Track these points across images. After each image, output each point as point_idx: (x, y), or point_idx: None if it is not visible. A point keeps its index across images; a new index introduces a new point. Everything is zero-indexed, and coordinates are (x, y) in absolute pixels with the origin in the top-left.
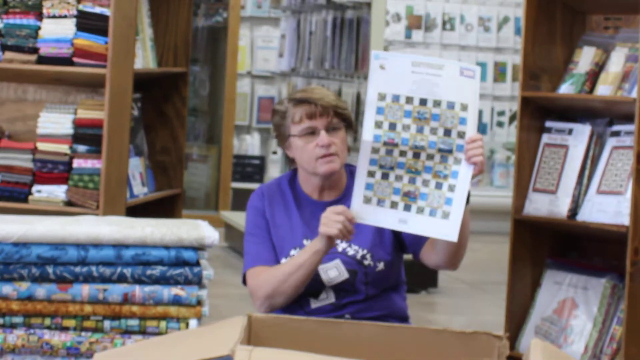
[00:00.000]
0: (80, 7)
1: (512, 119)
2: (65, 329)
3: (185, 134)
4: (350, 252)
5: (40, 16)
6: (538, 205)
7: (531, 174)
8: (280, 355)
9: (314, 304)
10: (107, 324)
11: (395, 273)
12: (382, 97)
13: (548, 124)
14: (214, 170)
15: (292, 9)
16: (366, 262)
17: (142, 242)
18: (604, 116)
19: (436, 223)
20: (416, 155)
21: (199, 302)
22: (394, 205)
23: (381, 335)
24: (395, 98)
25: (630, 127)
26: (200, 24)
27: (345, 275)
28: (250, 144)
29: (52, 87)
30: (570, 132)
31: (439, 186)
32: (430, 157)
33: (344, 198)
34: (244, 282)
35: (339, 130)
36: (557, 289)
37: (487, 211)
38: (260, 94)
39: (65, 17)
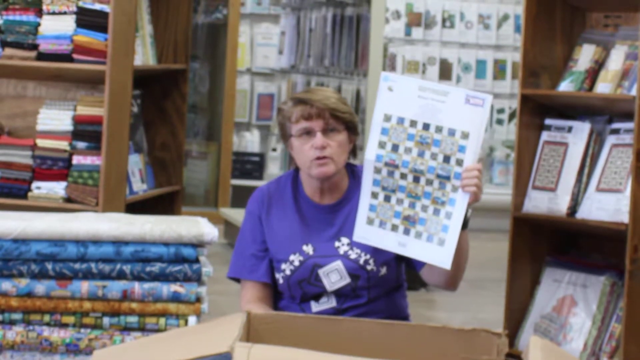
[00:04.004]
0: (80, 3)
1: (511, 116)
2: (64, 325)
3: (184, 131)
4: (353, 255)
5: (40, 12)
6: (537, 203)
7: (531, 171)
8: (279, 353)
9: (315, 308)
10: (106, 320)
11: (397, 275)
12: (387, 118)
13: (547, 121)
14: (213, 167)
15: (292, 6)
16: (369, 267)
17: (142, 238)
18: (603, 114)
19: (432, 249)
20: (416, 180)
21: (198, 299)
22: (394, 228)
23: (380, 333)
24: (400, 120)
25: (630, 125)
26: (200, 20)
27: (347, 279)
28: (250, 141)
29: (52, 83)
30: (569, 129)
31: (436, 212)
32: (429, 182)
33: (345, 200)
34: (232, 279)
35: (337, 132)
36: (556, 286)
37: (487, 209)
38: (260, 90)
39: (65, 13)
